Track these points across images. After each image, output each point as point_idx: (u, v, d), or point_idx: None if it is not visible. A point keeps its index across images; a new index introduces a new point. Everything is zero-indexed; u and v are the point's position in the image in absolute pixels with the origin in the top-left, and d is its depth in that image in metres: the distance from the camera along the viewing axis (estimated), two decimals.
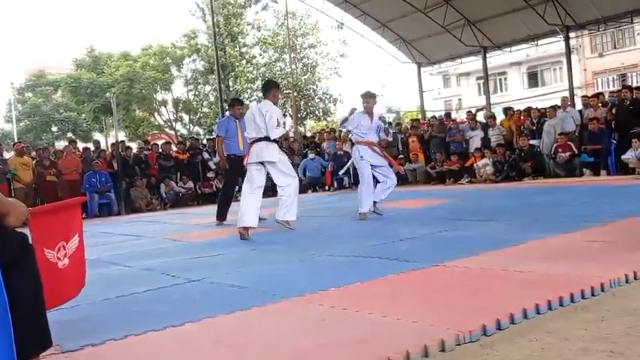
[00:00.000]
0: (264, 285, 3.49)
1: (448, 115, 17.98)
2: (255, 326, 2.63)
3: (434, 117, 17.31)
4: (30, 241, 2.23)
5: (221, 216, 7.91)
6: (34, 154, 13.91)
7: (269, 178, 6.38)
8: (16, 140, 23.23)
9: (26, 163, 12.68)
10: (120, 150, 13.78)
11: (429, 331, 2.24)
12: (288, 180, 6.26)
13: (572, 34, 19.21)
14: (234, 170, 7.92)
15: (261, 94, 30.88)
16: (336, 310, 2.75)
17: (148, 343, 2.50)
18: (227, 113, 8.50)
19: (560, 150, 11.91)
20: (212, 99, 31.24)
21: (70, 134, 29.69)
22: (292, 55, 29.09)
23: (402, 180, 14.06)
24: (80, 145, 17.82)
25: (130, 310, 3.16)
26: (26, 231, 2.32)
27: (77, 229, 2.74)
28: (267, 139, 6.12)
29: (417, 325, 2.37)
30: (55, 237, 2.58)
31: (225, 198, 8.13)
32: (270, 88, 6.45)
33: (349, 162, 8.35)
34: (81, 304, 3.11)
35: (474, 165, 13.11)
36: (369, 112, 7.21)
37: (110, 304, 3.36)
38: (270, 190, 14.64)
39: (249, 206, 6.03)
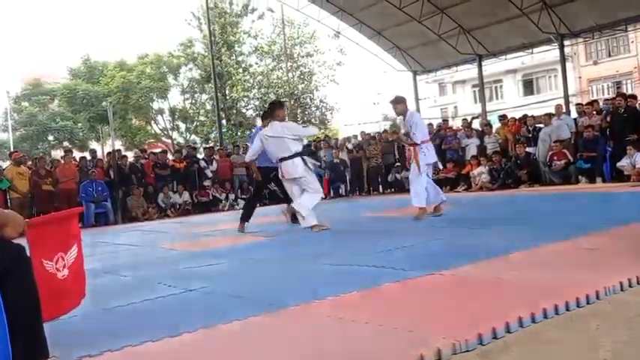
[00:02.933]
0: (261, 294, 3.50)
1: (444, 122, 18.03)
2: (252, 336, 2.64)
3: (430, 124, 17.35)
4: (27, 252, 2.24)
5: (246, 219, 7.82)
6: (30, 163, 13.89)
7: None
8: (12, 149, 23.19)
9: (23, 172, 12.65)
10: (116, 159, 13.77)
11: (425, 340, 2.25)
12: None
13: (566, 42, 19.32)
14: (267, 180, 8.01)
15: (257, 103, 30.63)
16: (332, 319, 2.75)
17: (144, 354, 2.50)
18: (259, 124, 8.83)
19: (555, 158, 11.95)
20: (209, 107, 31.29)
21: (66, 143, 29.68)
22: (289, 63, 29.19)
23: (399, 187, 14.12)
24: (76, 155, 17.80)
25: (127, 321, 3.16)
26: (23, 242, 2.33)
27: (75, 239, 2.75)
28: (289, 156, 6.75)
29: (414, 335, 2.38)
30: (54, 248, 2.58)
31: (250, 205, 8.12)
32: (273, 109, 7.10)
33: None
34: (77, 315, 3.10)
35: (470, 173, 13.15)
36: (401, 115, 7.66)
37: (107, 314, 3.35)
38: (267, 198, 14.73)
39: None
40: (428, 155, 7.37)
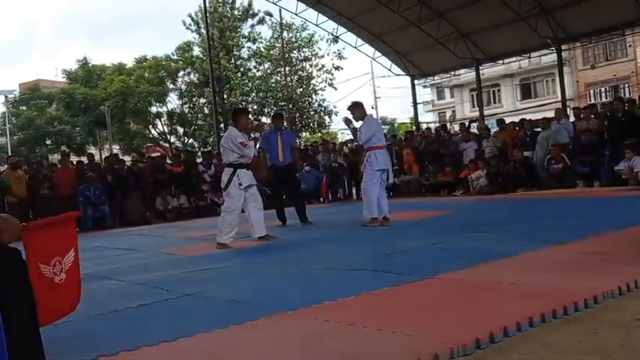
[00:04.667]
0: (258, 299, 3.49)
1: (444, 126, 18.05)
2: (249, 341, 2.62)
3: (428, 129, 17.37)
4: (23, 256, 2.22)
5: (282, 219, 8.68)
6: (26, 167, 13.85)
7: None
8: (9, 154, 23.18)
9: (19, 177, 12.62)
10: (114, 163, 13.74)
11: (423, 345, 2.25)
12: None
13: (564, 47, 19.37)
14: (278, 179, 8.65)
15: (256, 107, 30.66)
16: (330, 323, 2.74)
17: (141, 359, 2.48)
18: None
19: (553, 161, 11.96)
20: (207, 111, 31.27)
21: (63, 147, 29.66)
22: (287, 68, 29.21)
23: (397, 192, 14.12)
24: (74, 159, 17.77)
25: (123, 325, 3.15)
26: (20, 246, 2.31)
27: (72, 243, 2.73)
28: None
29: (412, 339, 2.37)
30: (51, 252, 2.56)
31: (276, 205, 8.91)
32: (234, 116, 7.08)
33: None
34: (74, 320, 3.08)
35: (468, 177, 13.14)
36: (360, 120, 7.44)
37: (103, 319, 3.34)
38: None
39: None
40: (379, 161, 7.19)
